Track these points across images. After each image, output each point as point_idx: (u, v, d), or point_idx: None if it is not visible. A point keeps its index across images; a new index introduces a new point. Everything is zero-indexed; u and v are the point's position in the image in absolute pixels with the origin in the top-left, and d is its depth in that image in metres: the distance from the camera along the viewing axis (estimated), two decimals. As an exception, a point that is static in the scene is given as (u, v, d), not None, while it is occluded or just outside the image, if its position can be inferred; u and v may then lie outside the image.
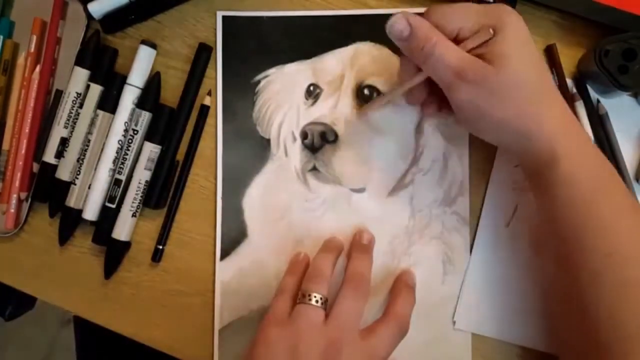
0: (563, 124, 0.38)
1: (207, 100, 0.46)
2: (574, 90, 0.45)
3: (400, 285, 0.44)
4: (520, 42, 0.37)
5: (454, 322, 0.45)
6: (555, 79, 0.45)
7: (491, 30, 0.37)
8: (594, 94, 0.45)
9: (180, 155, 0.47)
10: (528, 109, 0.37)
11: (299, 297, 0.41)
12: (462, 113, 0.39)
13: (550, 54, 0.45)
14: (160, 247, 0.46)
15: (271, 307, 0.41)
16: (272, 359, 0.38)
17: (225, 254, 0.46)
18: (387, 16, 0.45)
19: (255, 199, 0.46)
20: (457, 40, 0.38)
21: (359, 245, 0.44)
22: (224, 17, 0.47)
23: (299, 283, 0.43)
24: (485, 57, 0.36)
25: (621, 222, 0.37)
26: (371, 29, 0.46)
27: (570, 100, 0.44)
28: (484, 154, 0.45)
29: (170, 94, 0.47)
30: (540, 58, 0.38)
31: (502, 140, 0.40)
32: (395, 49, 0.46)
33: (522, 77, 0.36)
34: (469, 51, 0.37)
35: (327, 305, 0.40)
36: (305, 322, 0.39)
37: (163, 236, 0.46)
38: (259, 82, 0.47)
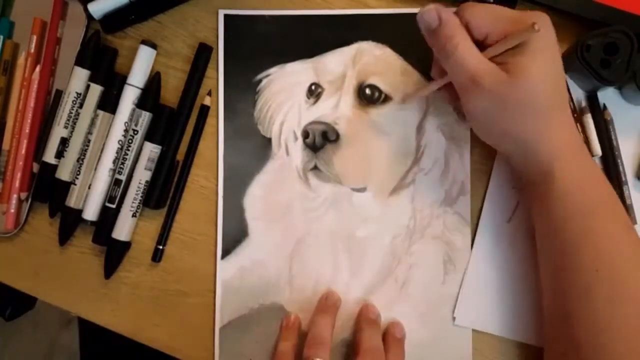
0: (566, 144, 0.38)
1: (207, 101, 0.46)
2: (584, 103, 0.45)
3: (389, 340, 0.44)
4: (545, 57, 0.37)
5: (454, 318, 0.45)
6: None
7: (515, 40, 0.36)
8: (600, 100, 0.45)
9: (180, 156, 0.47)
10: (535, 125, 0.37)
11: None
12: (470, 115, 0.39)
13: None
14: (161, 247, 0.46)
15: None
16: None
17: (226, 252, 0.46)
18: (389, 16, 0.46)
19: (256, 198, 0.46)
20: (484, 44, 0.37)
21: (368, 319, 0.44)
22: (225, 16, 0.47)
23: (295, 347, 0.43)
24: (506, 66, 0.36)
25: (613, 241, 0.37)
26: (373, 28, 0.46)
27: (576, 110, 0.44)
28: (485, 154, 0.45)
29: (171, 94, 0.47)
30: (561, 75, 0.38)
31: (504, 149, 0.41)
32: (396, 48, 0.46)
33: (536, 93, 0.36)
34: (491, 58, 0.37)
35: None
36: None
37: (163, 236, 0.46)
38: (260, 81, 0.47)
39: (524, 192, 0.43)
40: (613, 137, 0.44)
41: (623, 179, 0.44)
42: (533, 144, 0.38)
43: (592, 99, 0.45)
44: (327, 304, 0.44)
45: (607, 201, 0.38)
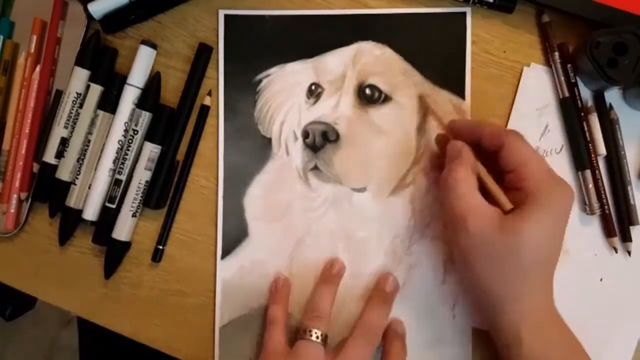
0: (538, 308, 0.37)
1: (208, 100, 0.46)
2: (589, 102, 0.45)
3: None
4: (543, 224, 0.36)
5: (454, 316, 0.45)
6: (557, 82, 0.45)
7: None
8: (607, 100, 0.45)
9: (180, 156, 0.47)
10: (511, 283, 0.37)
11: (300, 332, 0.41)
12: (453, 250, 0.40)
13: (562, 52, 0.45)
14: (161, 247, 0.46)
15: (266, 340, 0.42)
16: None
17: (226, 252, 0.46)
18: (389, 16, 0.46)
19: (257, 198, 0.46)
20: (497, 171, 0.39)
21: (381, 293, 0.44)
22: (225, 16, 0.47)
23: (286, 312, 0.43)
24: (503, 217, 0.36)
25: None
26: (373, 28, 0.46)
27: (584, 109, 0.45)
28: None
29: (171, 94, 0.47)
30: (556, 243, 0.38)
31: (475, 296, 0.41)
32: (397, 49, 0.46)
33: (521, 256, 0.36)
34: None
35: (327, 341, 0.41)
36: (307, 359, 0.40)
37: (163, 236, 0.46)
38: (260, 81, 0.47)
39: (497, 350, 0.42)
40: (619, 137, 0.44)
41: (628, 178, 0.44)
42: (503, 301, 0.38)
43: (598, 98, 0.45)
44: (331, 272, 0.44)
45: None
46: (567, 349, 0.38)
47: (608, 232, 0.44)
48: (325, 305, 0.42)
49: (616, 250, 0.44)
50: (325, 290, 0.43)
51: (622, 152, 0.44)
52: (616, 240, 0.44)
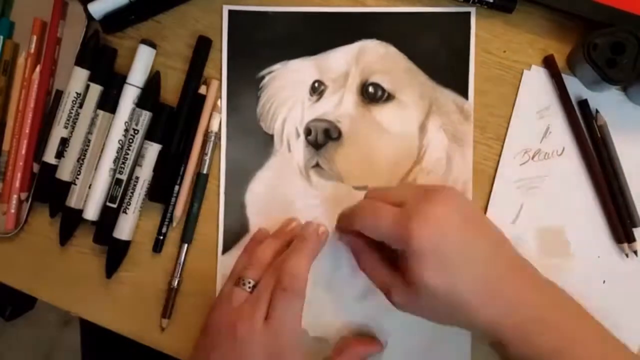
0: (507, 308, 0.36)
1: (203, 90, 0.46)
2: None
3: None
4: (433, 256, 0.35)
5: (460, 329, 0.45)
6: (555, 87, 0.45)
7: None
8: (592, 104, 0.45)
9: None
10: (460, 314, 0.36)
11: (235, 280, 0.42)
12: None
13: (548, 64, 0.45)
14: (161, 237, 0.46)
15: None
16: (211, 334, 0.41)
17: (227, 248, 0.46)
18: (393, 15, 0.46)
19: (258, 194, 0.46)
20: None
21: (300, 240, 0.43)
22: (229, 12, 0.47)
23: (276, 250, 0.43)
24: (404, 281, 0.37)
25: None
26: (377, 26, 0.46)
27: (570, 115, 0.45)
28: (487, 153, 0.45)
29: (170, 94, 0.47)
30: (472, 244, 0.36)
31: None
32: (401, 47, 0.46)
33: (441, 295, 0.35)
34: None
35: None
36: (229, 304, 0.40)
37: (163, 225, 0.46)
38: (263, 77, 0.47)
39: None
40: (609, 141, 0.44)
41: (624, 180, 0.44)
42: (469, 327, 0.38)
43: (583, 105, 0.45)
44: (282, 229, 0.45)
45: (569, 348, 0.36)
46: (556, 330, 0.36)
47: (618, 239, 0.44)
48: (265, 256, 0.42)
49: (627, 255, 0.44)
50: (270, 245, 0.43)
51: (614, 153, 0.44)
52: (626, 246, 0.44)
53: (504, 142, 0.45)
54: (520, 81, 0.46)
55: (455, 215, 0.36)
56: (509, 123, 0.45)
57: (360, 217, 0.39)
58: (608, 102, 0.45)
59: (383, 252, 0.40)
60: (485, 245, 0.37)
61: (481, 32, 0.46)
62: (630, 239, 0.44)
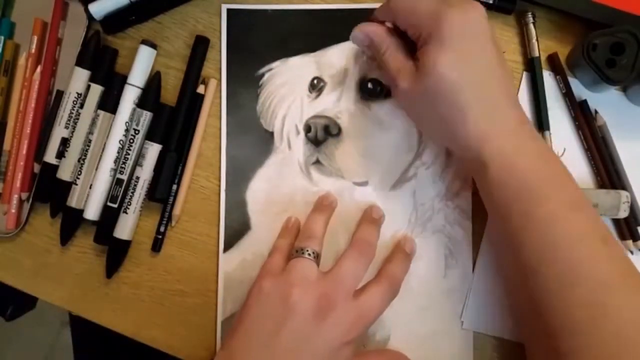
0: (496, 127, 0.37)
1: (202, 89, 0.46)
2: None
3: (397, 250, 0.44)
4: (456, 46, 0.36)
5: (462, 322, 0.45)
6: (561, 86, 0.45)
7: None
8: (592, 105, 0.45)
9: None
10: (453, 115, 0.37)
11: (293, 252, 0.42)
12: (400, 107, 0.42)
13: (553, 63, 0.45)
14: (160, 236, 0.46)
15: (264, 264, 0.43)
16: (265, 308, 0.39)
17: (228, 246, 0.46)
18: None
19: (259, 191, 0.46)
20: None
21: (369, 217, 0.45)
22: (228, 10, 0.47)
23: (292, 244, 0.44)
24: (418, 60, 0.38)
25: (558, 224, 0.36)
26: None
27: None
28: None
29: (171, 94, 0.47)
30: (485, 59, 0.37)
31: (438, 140, 0.43)
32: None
33: (446, 84, 0.36)
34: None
35: (320, 260, 0.42)
36: (299, 273, 0.40)
37: (161, 224, 0.46)
38: (262, 75, 0.47)
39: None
40: (609, 141, 0.44)
41: (627, 180, 0.44)
42: (455, 132, 0.38)
43: (582, 105, 0.45)
44: (323, 203, 0.45)
45: (547, 183, 0.37)
46: (534, 165, 0.37)
47: (622, 236, 0.44)
48: (318, 228, 0.43)
49: (632, 252, 0.44)
50: (318, 217, 0.44)
51: (615, 153, 0.44)
52: (631, 243, 0.44)
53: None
54: (520, 82, 0.46)
55: (487, 26, 0.37)
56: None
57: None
58: (607, 103, 0.45)
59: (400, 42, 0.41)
60: (502, 70, 0.38)
61: (481, 33, 0.46)
62: (635, 237, 0.44)
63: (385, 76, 0.41)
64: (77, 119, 0.46)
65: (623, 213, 0.42)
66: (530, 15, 0.45)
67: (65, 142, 0.46)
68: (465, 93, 0.36)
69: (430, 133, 0.43)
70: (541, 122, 0.45)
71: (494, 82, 0.38)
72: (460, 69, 0.36)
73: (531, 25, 0.45)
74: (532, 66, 0.45)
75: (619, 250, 0.37)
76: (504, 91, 0.38)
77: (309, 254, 0.41)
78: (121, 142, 0.46)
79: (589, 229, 0.36)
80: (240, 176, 0.46)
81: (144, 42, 0.46)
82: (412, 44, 0.40)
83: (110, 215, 0.46)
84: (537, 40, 0.45)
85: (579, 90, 0.45)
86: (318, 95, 0.46)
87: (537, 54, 0.44)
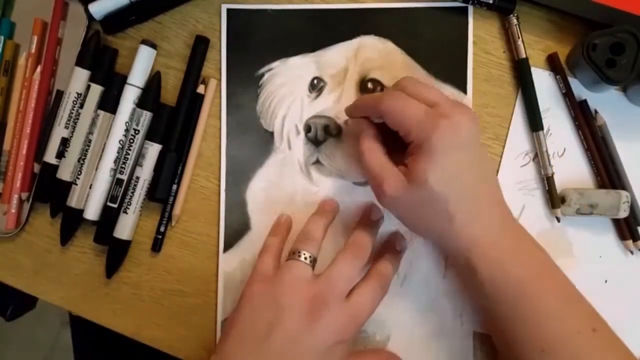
0: (482, 231, 0.38)
1: (202, 89, 0.46)
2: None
3: (387, 247, 0.45)
4: (446, 158, 0.36)
5: (462, 322, 0.45)
6: (561, 86, 0.45)
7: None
8: (592, 105, 0.45)
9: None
10: (441, 221, 0.38)
11: (289, 254, 0.41)
12: (383, 206, 0.41)
13: (552, 63, 0.45)
14: (160, 236, 0.46)
15: (255, 266, 0.42)
16: (257, 311, 0.39)
17: (228, 246, 0.46)
18: (391, 10, 0.46)
19: (259, 191, 0.46)
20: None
21: (366, 219, 0.45)
22: (228, 10, 0.47)
23: (282, 243, 0.44)
24: (407, 168, 0.38)
25: (551, 321, 0.37)
26: (375, 22, 0.46)
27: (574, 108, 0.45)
28: (489, 152, 0.45)
29: (171, 94, 0.47)
30: (474, 169, 0.38)
31: (425, 238, 0.44)
32: (399, 43, 0.46)
33: (435, 196, 0.37)
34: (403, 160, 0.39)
35: (315, 265, 0.41)
36: (292, 276, 0.40)
37: (162, 222, 0.46)
38: (262, 75, 0.47)
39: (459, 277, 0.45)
40: (609, 141, 0.44)
41: (628, 180, 0.44)
42: (443, 239, 0.39)
43: (582, 105, 0.45)
44: (324, 208, 0.45)
45: (536, 280, 0.38)
46: (522, 262, 0.38)
47: (622, 236, 0.44)
48: (318, 231, 0.43)
49: (632, 252, 0.44)
50: (319, 220, 0.44)
51: (615, 153, 0.44)
52: (630, 243, 0.44)
53: (504, 144, 0.45)
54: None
55: (477, 133, 0.38)
56: (509, 124, 0.45)
57: (390, 100, 0.38)
58: (607, 103, 0.45)
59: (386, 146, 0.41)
60: (488, 173, 0.40)
61: (480, 33, 0.46)
62: (635, 237, 0.44)
63: (370, 181, 0.41)
64: (77, 119, 0.46)
65: (623, 213, 0.42)
66: (513, 17, 0.44)
67: (65, 142, 0.46)
68: (452, 203, 0.37)
69: (416, 231, 0.43)
70: (535, 124, 0.44)
71: (479, 188, 0.39)
72: (449, 184, 0.37)
73: (514, 28, 0.44)
74: (522, 69, 0.45)
75: (611, 339, 0.38)
76: (488, 192, 0.39)
77: (305, 258, 0.41)
78: (121, 142, 0.46)
79: (583, 319, 0.38)
80: (240, 176, 0.46)
81: (144, 42, 0.46)
82: (400, 140, 0.39)
83: (110, 215, 0.46)
84: (522, 42, 0.44)
85: (579, 90, 0.45)
86: (318, 95, 0.46)
87: (524, 56, 0.44)
